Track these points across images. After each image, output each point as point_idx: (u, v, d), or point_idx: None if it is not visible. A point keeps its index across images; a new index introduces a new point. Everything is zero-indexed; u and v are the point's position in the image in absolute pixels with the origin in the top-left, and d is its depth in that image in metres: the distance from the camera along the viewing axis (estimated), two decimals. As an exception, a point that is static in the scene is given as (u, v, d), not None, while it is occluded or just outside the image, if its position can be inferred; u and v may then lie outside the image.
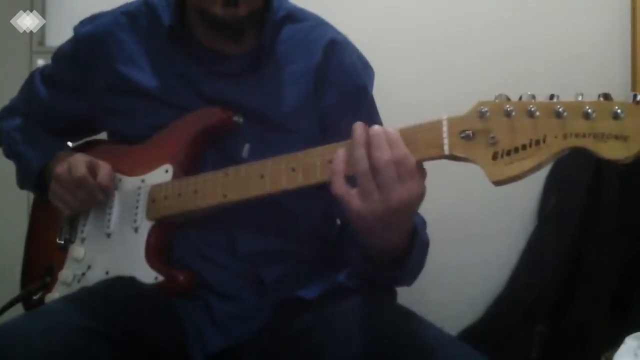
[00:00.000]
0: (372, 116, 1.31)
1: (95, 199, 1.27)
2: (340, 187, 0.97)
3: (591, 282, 1.68)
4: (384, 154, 0.94)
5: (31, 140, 1.41)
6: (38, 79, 1.43)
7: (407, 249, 1.05)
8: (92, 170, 1.26)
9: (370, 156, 0.95)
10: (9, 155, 1.44)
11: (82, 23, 1.37)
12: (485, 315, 1.79)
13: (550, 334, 1.69)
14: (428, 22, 1.85)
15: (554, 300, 1.70)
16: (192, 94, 1.26)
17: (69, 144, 1.45)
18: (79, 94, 1.36)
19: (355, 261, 1.12)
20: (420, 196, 0.97)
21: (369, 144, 0.95)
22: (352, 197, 0.96)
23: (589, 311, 1.66)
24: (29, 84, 1.46)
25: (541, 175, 1.78)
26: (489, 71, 1.79)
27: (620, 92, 1.70)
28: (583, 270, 1.70)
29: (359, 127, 0.97)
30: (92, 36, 1.33)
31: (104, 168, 1.26)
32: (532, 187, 1.81)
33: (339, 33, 1.33)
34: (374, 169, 0.94)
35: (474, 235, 1.81)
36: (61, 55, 1.40)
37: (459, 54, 1.83)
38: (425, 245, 1.14)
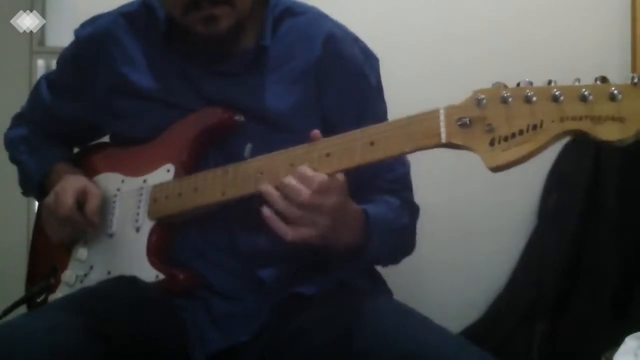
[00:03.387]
0: (375, 109, 1.30)
1: (83, 233, 1.28)
2: (295, 234, 1.06)
3: (591, 281, 1.68)
4: (302, 195, 1.04)
5: (33, 150, 1.42)
6: (44, 84, 1.44)
7: (364, 239, 1.15)
8: (82, 199, 1.25)
9: (291, 201, 1.05)
10: (14, 163, 1.45)
11: (83, 25, 1.37)
12: (485, 315, 1.79)
13: (550, 334, 1.69)
14: (428, 20, 1.84)
15: (554, 299, 1.70)
16: (192, 94, 1.26)
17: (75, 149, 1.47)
18: (81, 97, 1.36)
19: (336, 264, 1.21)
20: (343, 188, 1.07)
21: (285, 195, 1.05)
22: (303, 232, 1.06)
23: (589, 311, 1.66)
24: (35, 90, 1.46)
25: (541, 174, 1.77)
26: (489, 69, 1.78)
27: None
28: (583, 270, 1.70)
29: (266, 188, 1.07)
30: (92, 38, 1.33)
31: (92, 199, 1.26)
32: (532, 186, 1.80)
33: (338, 25, 1.31)
34: (302, 208, 1.04)
35: (474, 234, 1.81)
36: (63, 59, 1.40)
37: (458, 51, 1.82)
38: (388, 226, 1.19)
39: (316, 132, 1.09)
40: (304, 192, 1.04)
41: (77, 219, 1.25)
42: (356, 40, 1.32)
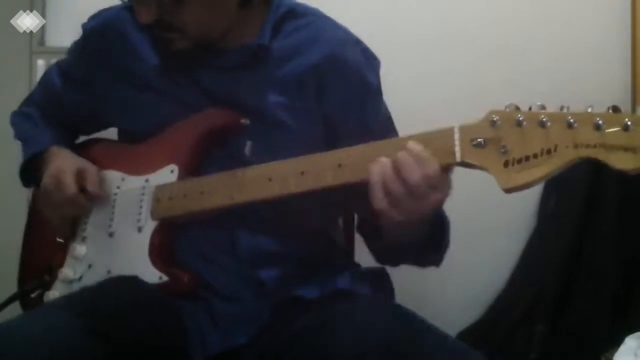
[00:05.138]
0: (376, 112, 1.30)
1: (83, 214, 1.30)
2: (381, 204, 1.03)
3: (591, 281, 1.68)
4: (414, 175, 1.00)
5: (38, 125, 1.44)
6: (55, 70, 1.46)
7: (431, 232, 1.13)
8: (80, 179, 1.29)
9: (402, 179, 1.00)
10: (18, 136, 1.47)
11: (89, 19, 1.38)
12: (485, 315, 1.79)
13: (550, 334, 1.69)
14: (427, 21, 1.85)
15: (554, 299, 1.70)
16: (191, 86, 1.26)
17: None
18: (86, 88, 1.37)
19: (381, 250, 1.24)
20: (448, 192, 1.04)
21: (398, 171, 1.01)
22: (391, 211, 1.02)
23: (589, 311, 1.66)
24: (46, 74, 1.49)
25: (541, 175, 1.78)
26: (489, 69, 1.79)
27: (620, 91, 1.71)
28: (583, 270, 1.70)
29: (379, 164, 1.02)
30: (96, 30, 1.34)
31: (90, 176, 1.29)
32: (532, 187, 1.81)
33: (340, 27, 1.31)
34: (408, 190, 1.00)
35: (474, 234, 1.81)
36: (71, 50, 1.42)
37: (458, 52, 1.83)
38: (447, 225, 1.22)
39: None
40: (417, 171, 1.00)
41: (81, 201, 1.28)
42: (357, 42, 1.31)
